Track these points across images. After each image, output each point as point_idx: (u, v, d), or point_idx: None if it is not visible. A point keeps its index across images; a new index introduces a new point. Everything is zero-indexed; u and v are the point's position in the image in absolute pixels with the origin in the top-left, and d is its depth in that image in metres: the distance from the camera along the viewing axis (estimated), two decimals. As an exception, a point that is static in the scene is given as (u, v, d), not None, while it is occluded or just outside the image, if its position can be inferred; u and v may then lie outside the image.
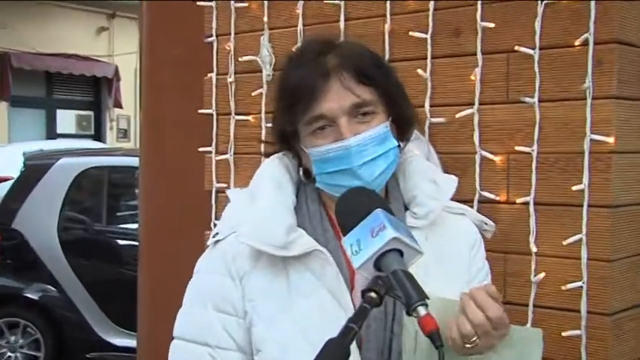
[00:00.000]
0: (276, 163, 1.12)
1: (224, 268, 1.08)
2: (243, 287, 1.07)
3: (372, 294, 0.85)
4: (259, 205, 1.08)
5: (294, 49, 1.14)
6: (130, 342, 3.81)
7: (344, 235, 0.93)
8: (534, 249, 1.34)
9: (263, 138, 1.69)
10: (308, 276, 1.04)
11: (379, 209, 0.92)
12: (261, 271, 1.06)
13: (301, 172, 1.11)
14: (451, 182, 1.13)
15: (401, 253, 0.89)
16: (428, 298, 0.85)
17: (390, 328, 1.03)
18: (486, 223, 1.21)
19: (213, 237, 1.12)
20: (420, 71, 1.47)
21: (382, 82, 1.06)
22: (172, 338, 1.14)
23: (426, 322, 0.83)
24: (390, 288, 0.86)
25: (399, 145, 1.10)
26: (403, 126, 1.11)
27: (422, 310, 0.84)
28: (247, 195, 1.12)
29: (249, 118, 1.74)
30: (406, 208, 1.11)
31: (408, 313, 0.85)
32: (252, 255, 1.06)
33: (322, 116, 1.03)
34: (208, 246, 1.14)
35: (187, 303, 1.13)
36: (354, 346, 0.97)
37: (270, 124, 1.66)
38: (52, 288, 4.31)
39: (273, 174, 1.11)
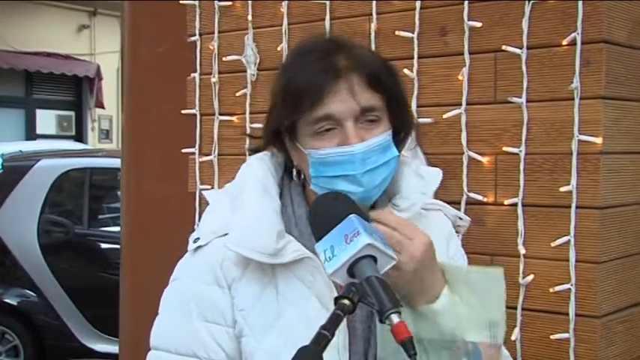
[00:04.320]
0: (259, 165, 1.09)
1: (210, 276, 1.04)
2: (233, 295, 1.03)
3: (345, 301, 0.85)
4: (246, 211, 1.04)
5: (298, 46, 1.08)
6: (112, 348, 3.75)
7: (317, 241, 0.92)
8: (522, 251, 1.33)
9: (247, 139, 1.67)
10: (297, 284, 1.02)
11: (353, 215, 0.91)
12: (250, 279, 1.03)
13: (294, 172, 1.09)
14: (436, 175, 1.13)
15: (375, 259, 0.89)
16: (401, 306, 0.85)
17: (367, 328, 1.03)
18: (461, 218, 1.21)
19: (194, 242, 1.08)
20: (406, 71, 1.45)
21: (392, 90, 1.04)
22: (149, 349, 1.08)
23: (399, 330, 0.83)
24: (364, 295, 0.86)
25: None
26: (402, 135, 1.09)
27: (395, 318, 0.83)
28: (229, 198, 1.08)
29: (234, 118, 1.72)
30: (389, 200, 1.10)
31: (381, 321, 0.85)
32: (240, 261, 1.03)
33: (329, 117, 1.00)
34: (188, 251, 1.10)
35: (167, 312, 1.08)
36: (345, 345, 0.97)
37: (255, 125, 1.66)
38: (32, 293, 4.24)
39: (257, 176, 1.07)
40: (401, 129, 1.08)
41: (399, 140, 1.08)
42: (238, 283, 1.03)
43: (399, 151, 1.09)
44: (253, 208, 1.03)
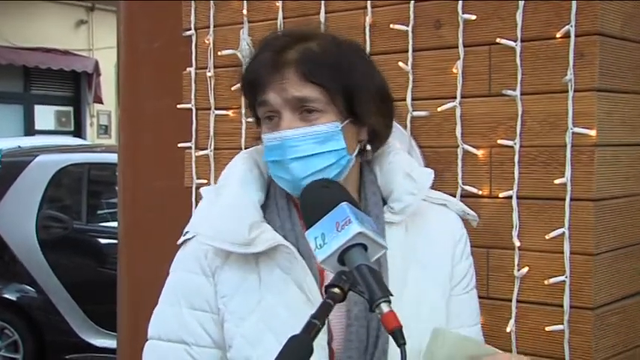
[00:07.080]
0: (244, 159, 1.12)
1: (196, 266, 1.08)
2: (216, 283, 1.07)
3: (336, 290, 0.85)
4: (221, 204, 1.07)
5: (261, 40, 1.12)
6: (112, 343, 3.75)
7: (308, 228, 0.92)
8: (517, 243, 1.34)
9: (243, 133, 1.67)
10: (277, 272, 1.04)
11: (345, 202, 0.91)
12: (232, 268, 1.06)
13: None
14: (427, 175, 1.13)
15: (365, 247, 0.89)
16: (391, 295, 0.85)
17: (375, 328, 1.02)
18: (468, 213, 1.21)
19: (184, 235, 1.12)
20: (401, 64, 1.45)
21: (335, 84, 1.04)
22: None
23: (389, 319, 0.82)
24: (354, 283, 0.85)
25: (363, 150, 1.08)
26: (370, 132, 1.09)
27: (385, 307, 0.83)
28: (214, 192, 1.12)
29: (229, 112, 1.72)
30: (384, 202, 1.10)
31: (371, 310, 0.84)
32: (221, 251, 1.06)
33: (267, 105, 1.04)
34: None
35: (161, 302, 1.13)
36: (323, 345, 0.98)
37: (250, 119, 1.66)
38: (31, 288, 4.24)
39: (239, 170, 1.10)
40: (366, 125, 1.07)
41: (370, 135, 1.08)
42: (221, 271, 1.07)
43: (376, 144, 1.09)
44: (228, 201, 1.07)
